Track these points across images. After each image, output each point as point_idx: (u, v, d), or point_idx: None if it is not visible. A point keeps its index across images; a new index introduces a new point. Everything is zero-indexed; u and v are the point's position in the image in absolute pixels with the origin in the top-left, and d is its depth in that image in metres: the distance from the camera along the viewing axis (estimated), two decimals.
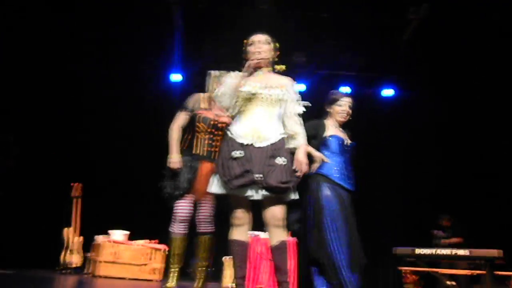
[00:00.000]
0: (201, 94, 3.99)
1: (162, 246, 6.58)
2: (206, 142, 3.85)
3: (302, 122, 3.28)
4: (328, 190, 3.62)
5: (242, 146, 3.10)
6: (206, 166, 3.80)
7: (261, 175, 3.02)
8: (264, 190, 3.04)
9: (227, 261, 5.91)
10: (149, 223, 7.23)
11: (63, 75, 7.84)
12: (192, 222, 3.91)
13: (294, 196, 3.18)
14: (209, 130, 3.86)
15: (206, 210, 3.91)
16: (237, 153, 3.09)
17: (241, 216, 3.17)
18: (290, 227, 3.47)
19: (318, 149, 3.65)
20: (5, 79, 7.02)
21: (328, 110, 3.91)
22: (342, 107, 3.86)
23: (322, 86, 7.85)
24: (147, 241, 6.74)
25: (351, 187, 3.72)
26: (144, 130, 7.93)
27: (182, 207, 3.84)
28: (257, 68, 3.26)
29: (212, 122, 3.86)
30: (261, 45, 3.28)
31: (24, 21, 7.11)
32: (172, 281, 3.85)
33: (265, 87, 3.20)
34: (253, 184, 3.04)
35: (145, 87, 8.26)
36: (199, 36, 7.96)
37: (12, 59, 7.13)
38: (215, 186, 3.19)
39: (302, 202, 3.54)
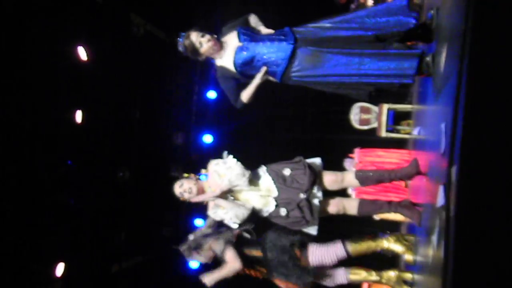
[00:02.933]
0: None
1: None
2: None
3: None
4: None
5: (276, 208, 3.38)
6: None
7: (302, 193, 3.33)
8: (316, 191, 3.38)
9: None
10: None
11: None
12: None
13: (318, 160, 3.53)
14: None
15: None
16: (282, 212, 3.38)
17: (333, 208, 3.51)
18: None
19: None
20: None
21: None
22: None
23: None
24: None
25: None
26: None
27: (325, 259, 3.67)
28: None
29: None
30: (187, 186, 3.53)
31: None
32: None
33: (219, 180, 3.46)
34: (308, 201, 3.35)
35: None
36: None
37: None
38: (312, 230, 3.44)
39: None
